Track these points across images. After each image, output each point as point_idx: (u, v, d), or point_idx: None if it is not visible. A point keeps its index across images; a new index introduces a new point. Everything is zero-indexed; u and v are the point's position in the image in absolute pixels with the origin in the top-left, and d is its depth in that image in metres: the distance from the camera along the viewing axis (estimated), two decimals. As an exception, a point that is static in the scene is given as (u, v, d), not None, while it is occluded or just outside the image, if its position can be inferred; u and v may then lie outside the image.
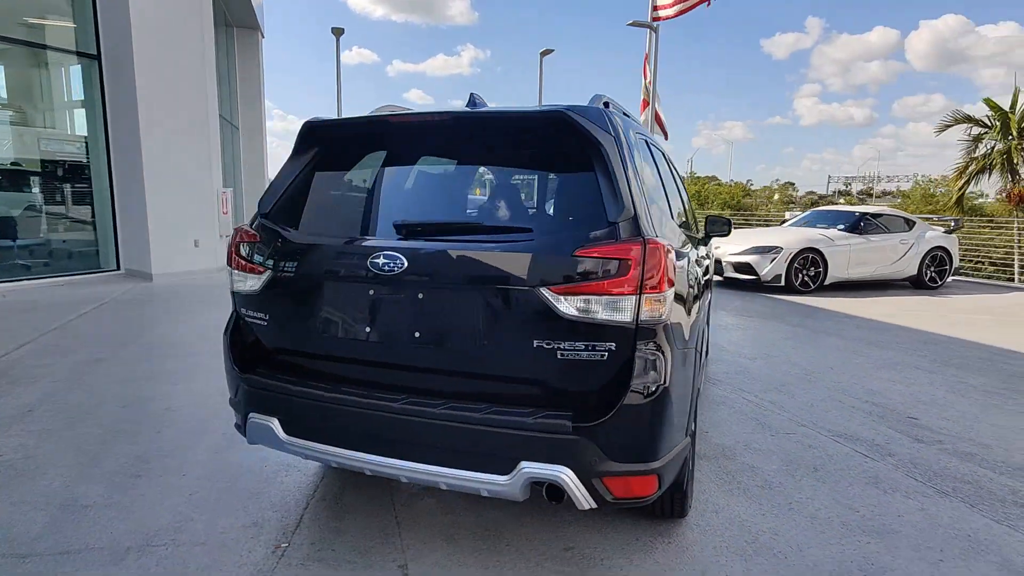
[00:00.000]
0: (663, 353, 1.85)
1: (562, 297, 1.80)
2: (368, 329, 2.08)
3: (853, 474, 3.05)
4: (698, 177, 49.27)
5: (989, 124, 14.59)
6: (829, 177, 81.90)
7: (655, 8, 16.48)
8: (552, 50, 20.41)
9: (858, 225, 9.92)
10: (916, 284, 10.12)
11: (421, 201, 2.25)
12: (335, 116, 2.51)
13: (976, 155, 14.78)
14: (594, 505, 1.85)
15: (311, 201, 2.33)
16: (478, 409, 1.88)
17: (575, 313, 1.80)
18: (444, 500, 2.70)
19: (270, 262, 2.23)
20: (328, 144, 2.35)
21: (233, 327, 2.40)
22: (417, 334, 2.00)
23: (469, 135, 2.20)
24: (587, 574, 2.19)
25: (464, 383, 2.01)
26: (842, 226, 9.99)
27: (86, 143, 8.92)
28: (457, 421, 1.88)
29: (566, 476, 1.79)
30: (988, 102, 14.66)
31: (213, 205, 9.23)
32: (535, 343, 1.84)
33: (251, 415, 2.24)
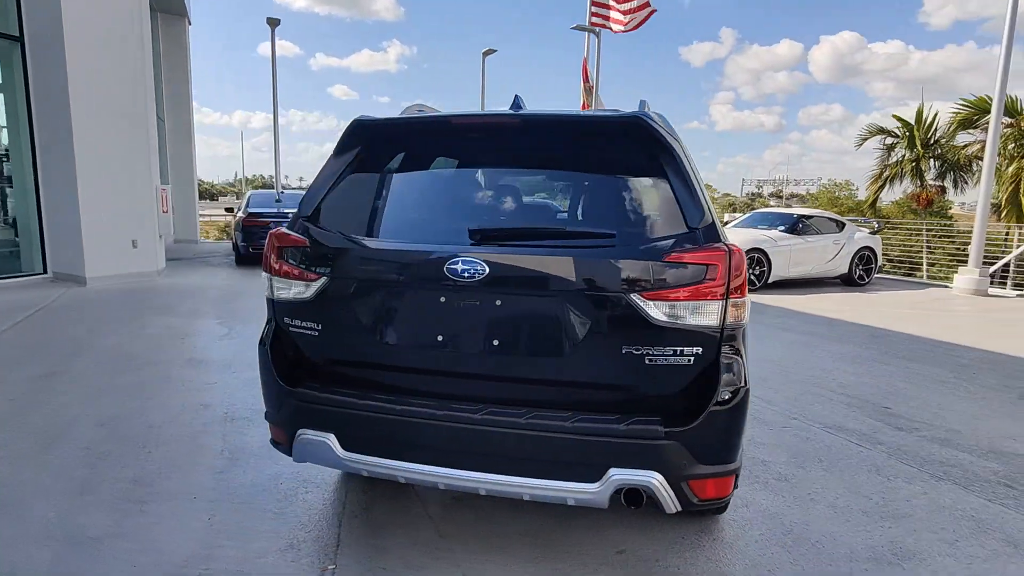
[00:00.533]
0: (741, 356, 1.90)
1: (652, 303, 1.81)
2: (441, 337, 2.01)
3: (854, 463, 3.25)
4: None
5: (899, 135, 16.02)
6: (743, 180, 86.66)
7: (595, 15, 16.88)
8: (494, 50, 20.42)
9: (796, 226, 10.57)
10: (846, 281, 10.90)
11: (488, 205, 2.19)
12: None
13: (889, 163, 16.19)
14: (679, 508, 1.87)
15: (363, 203, 2.23)
16: (565, 417, 1.86)
17: (665, 319, 1.81)
18: (481, 508, 2.65)
19: (325, 268, 2.11)
20: (382, 144, 2.25)
21: (273, 337, 2.25)
22: (496, 342, 1.95)
23: (537, 138, 2.16)
24: (647, 576, 2.22)
25: (544, 391, 1.98)
26: (782, 227, 10.61)
27: (4, 131, 8.07)
28: (544, 430, 1.84)
29: (656, 481, 1.80)
30: (897, 117, 16.15)
31: (152, 202, 8.58)
32: (624, 349, 1.84)
33: (301, 432, 2.11)
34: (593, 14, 17.11)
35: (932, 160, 15.40)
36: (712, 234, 1.87)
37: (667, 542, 2.43)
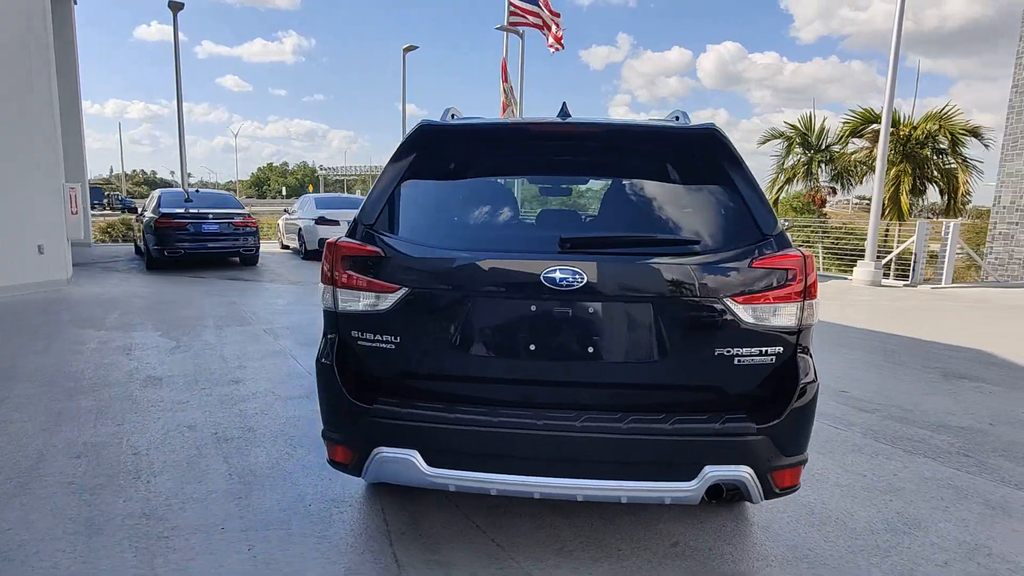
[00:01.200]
0: (810, 353, 2.06)
1: (742, 306, 1.92)
2: (533, 346, 2.01)
3: (837, 444, 3.57)
4: None
5: (795, 141, 17.61)
6: None
7: (513, 13, 17.13)
8: (416, 47, 20.11)
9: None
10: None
11: (567, 212, 2.21)
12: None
13: (785, 167, 17.76)
14: (763, 499, 2.00)
15: (434, 210, 2.18)
16: (663, 419, 1.93)
17: (753, 321, 1.93)
18: (529, 515, 2.66)
19: (405, 278, 2.04)
20: (450, 149, 2.21)
21: (337, 353, 2.14)
22: (590, 349, 1.98)
23: (612, 146, 2.21)
24: (708, 566, 2.34)
25: (637, 395, 2.04)
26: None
27: None
28: (643, 434, 1.90)
29: (747, 474, 1.92)
30: (792, 125, 17.77)
31: (60, 203, 7.70)
32: (716, 351, 1.94)
33: (379, 451, 2.03)
34: (511, 13, 17.36)
35: (823, 164, 17.09)
36: (784, 240, 2.02)
37: (713, 531, 2.57)
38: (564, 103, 2.47)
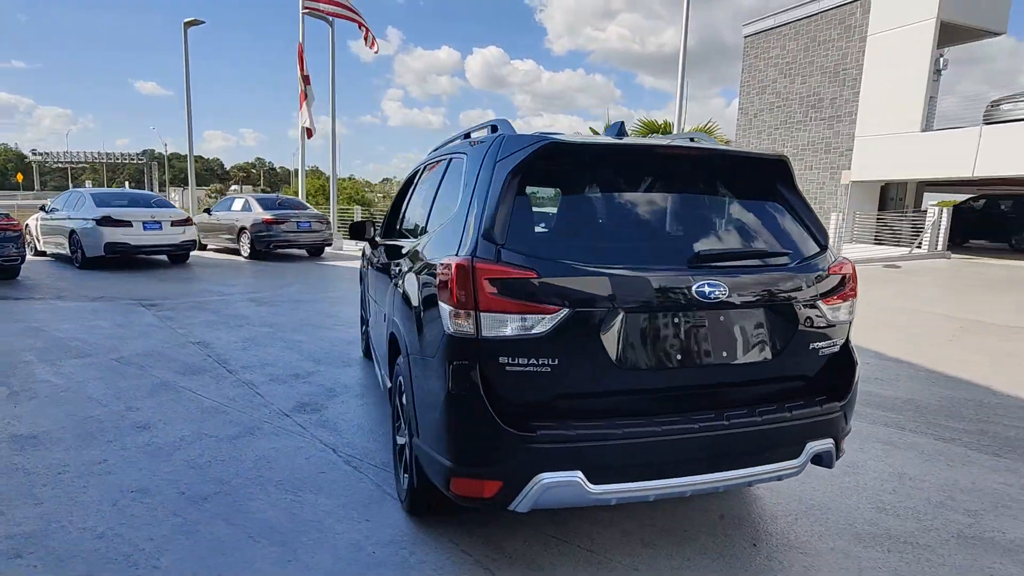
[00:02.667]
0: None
1: (827, 306, 2.31)
2: (680, 356, 2.12)
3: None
4: (322, 172, 50.64)
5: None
6: None
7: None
8: (201, 21, 17.56)
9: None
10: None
11: (681, 228, 2.32)
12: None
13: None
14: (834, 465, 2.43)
15: (567, 226, 2.16)
16: (783, 409, 2.22)
17: (831, 317, 2.33)
18: (591, 517, 2.77)
19: (562, 299, 2.00)
20: (575, 166, 2.21)
21: (482, 382, 1.99)
22: (725, 353, 2.17)
23: (711, 167, 2.41)
24: (748, 526, 2.73)
25: (759, 390, 2.29)
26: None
27: None
28: (772, 423, 2.17)
29: (831, 445, 2.32)
30: (593, 131, 19.87)
31: None
32: (810, 345, 2.30)
33: (541, 477, 1.97)
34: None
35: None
36: (832, 251, 2.46)
37: (742, 499, 2.98)
38: (622, 123, 2.61)
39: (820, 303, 2.31)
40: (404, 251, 3.02)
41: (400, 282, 2.78)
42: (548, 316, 1.99)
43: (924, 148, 17.47)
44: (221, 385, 4.53)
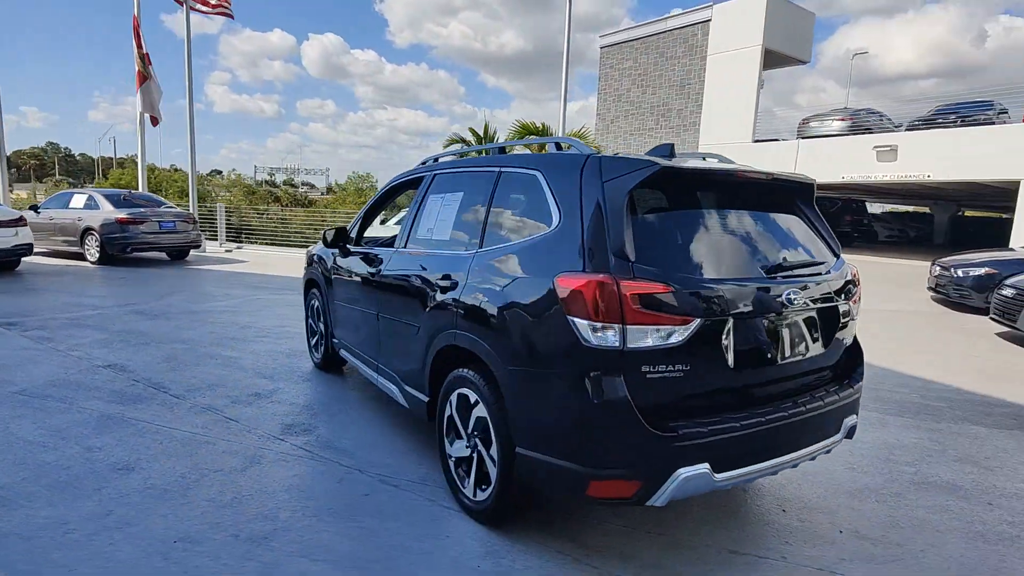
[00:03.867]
0: None
1: (852, 304, 2.78)
2: (771, 354, 2.44)
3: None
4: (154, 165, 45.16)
5: (472, 145, 20.03)
6: (256, 167, 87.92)
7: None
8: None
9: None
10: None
11: (754, 243, 2.61)
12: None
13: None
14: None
15: (679, 242, 2.36)
16: (831, 392, 2.65)
17: (853, 313, 2.82)
18: (640, 512, 3.02)
19: (694, 310, 2.20)
20: (677, 188, 2.46)
21: (628, 388, 2.13)
22: (799, 349, 2.53)
23: (768, 189, 2.75)
24: (763, 500, 3.18)
25: (818, 378, 2.70)
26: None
27: None
28: (833, 404, 2.60)
29: (856, 419, 2.81)
30: (472, 131, 20.12)
31: None
32: (843, 338, 2.76)
33: (680, 471, 2.17)
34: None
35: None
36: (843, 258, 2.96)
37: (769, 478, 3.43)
38: (672, 145, 2.88)
39: (849, 302, 2.79)
40: (451, 265, 3.00)
41: (467, 296, 2.78)
42: (684, 326, 2.19)
43: (755, 157, 20.21)
44: (178, 413, 4.05)
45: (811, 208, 2.92)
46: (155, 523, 2.65)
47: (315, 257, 5.23)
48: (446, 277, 3.01)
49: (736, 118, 20.77)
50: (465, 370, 2.82)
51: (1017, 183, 14.60)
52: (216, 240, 16.62)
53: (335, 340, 4.78)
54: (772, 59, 21.28)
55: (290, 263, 14.06)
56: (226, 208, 17.66)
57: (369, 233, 4.78)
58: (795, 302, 2.49)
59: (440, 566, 2.46)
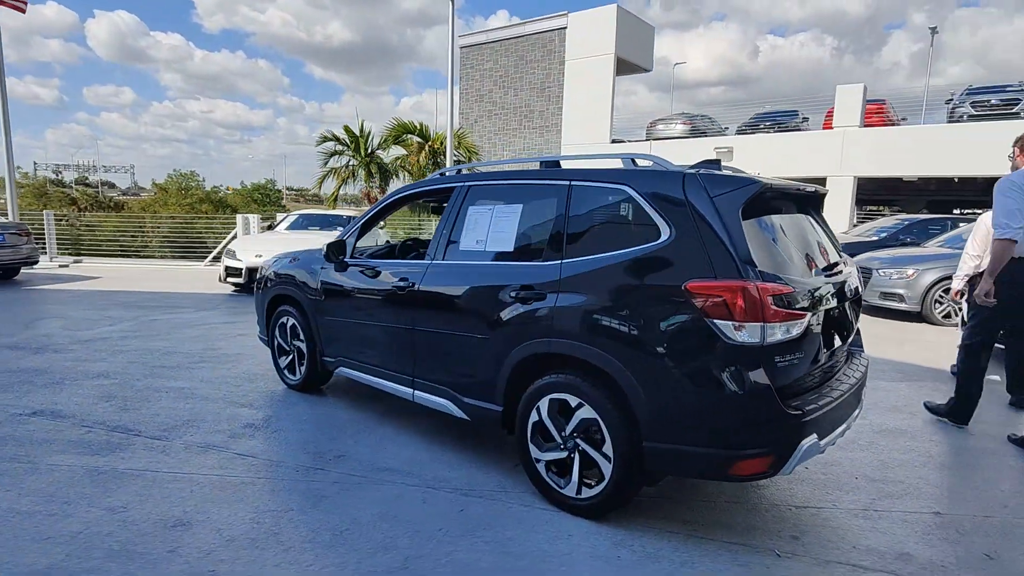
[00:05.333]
0: None
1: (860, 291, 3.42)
2: (838, 337, 2.93)
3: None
4: None
5: (348, 144, 19.11)
6: (35, 163, 76.18)
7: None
8: None
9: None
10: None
11: (811, 243, 3.04)
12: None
13: (337, 166, 19.09)
14: None
15: (773, 248, 2.72)
16: (860, 367, 3.24)
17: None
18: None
19: (804, 306, 2.59)
20: (767, 202, 2.81)
21: (768, 376, 2.46)
22: (847, 331, 3.05)
23: (815, 199, 3.23)
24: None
25: (847, 354, 3.24)
26: (342, 228, 11.58)
27: None
28: (863, 376, 3.17)
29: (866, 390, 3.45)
30: (346, 129, 19.17)
31: None
32: (858, 318, 3.37)
33: (804, 443, 2.53)
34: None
35: (373, 166, 19.31)
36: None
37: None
38: (719, 160, 3.26)
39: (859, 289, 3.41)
40: (530, 275, 3.09)
41: (565, 305, 2.90)
42: (801, 320, 2.57)
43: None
44: (177, 456, 3.59)
45: (821, 213, 3.49)
46: (259, 571, 2.43)
47: (282, 275, 4.88)
48: (527, 288, 3.09)
49: (594, 120, 22.35)
50: (561, 375, 2.94)
51: (824, 179, 17.69)
52: (46, 254, 14.09)
53: (326, 358, 4.52)
54: (621, 67, 23.22)
55: (158, 277, 12.47)
56: (55, 215, 14.98)
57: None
58: (850, 292, 3.02)
59: (587, 562, 2.58)
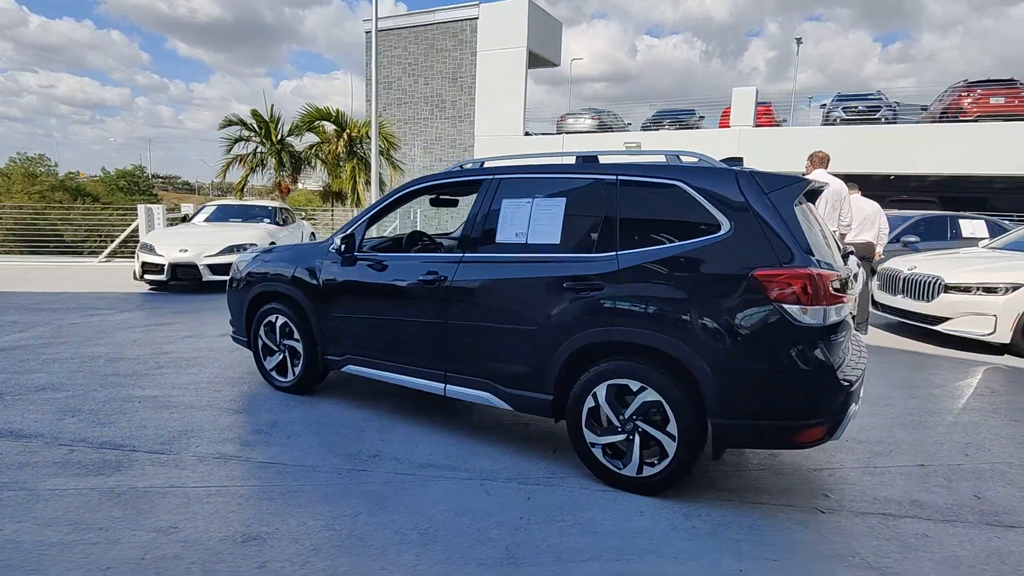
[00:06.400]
0: None
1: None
2: (854, 314, 3.29)
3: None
4: None
5: (256, 130, 17.69)
6: None
7: None
8: None
9: (276, 219, 11.08)
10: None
11: (827, 234, 3.37)
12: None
13: (242, 153, 17.68)
14: None
15: (816, 240, 3.00)
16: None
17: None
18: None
19: (843, 290, 2.91)
20: (804, 196, 3.11)
21: (829, 353, 2.77)
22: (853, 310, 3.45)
23: (817, 192, 3.53)
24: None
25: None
26: (267, 220, 10.87)
27: None
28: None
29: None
30: (254, 113, 17.72)
31: None
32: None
33: (851, 411, 2.88)
34: None
35: (284, 154, 18.09)
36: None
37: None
38: (741, 158, 3.54)
39: None
40: (583, 267, 3.19)
41: (627, 293, 3.04)
42: (847, 303, 2.91)
43: (527, 149, 22.36)
44: (194, 470, 3.31)
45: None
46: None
47: (267, 272, 4.61)
48: (580, 279, 3.19)
49: (507, 112, 22.59)
50: (622, 361, 3.09)
51: (722, 174, 19.17)
52: None
53: (330, 357, 4.33)
54: (532, 60, 23.61)
55: (42, 277, 11.02)
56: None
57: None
58: (857, 275, 3.42)
59: (672, 534, 2.76)
